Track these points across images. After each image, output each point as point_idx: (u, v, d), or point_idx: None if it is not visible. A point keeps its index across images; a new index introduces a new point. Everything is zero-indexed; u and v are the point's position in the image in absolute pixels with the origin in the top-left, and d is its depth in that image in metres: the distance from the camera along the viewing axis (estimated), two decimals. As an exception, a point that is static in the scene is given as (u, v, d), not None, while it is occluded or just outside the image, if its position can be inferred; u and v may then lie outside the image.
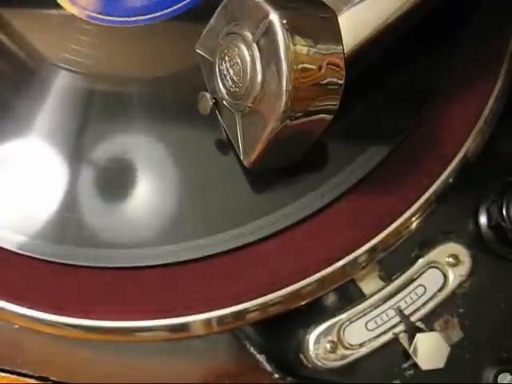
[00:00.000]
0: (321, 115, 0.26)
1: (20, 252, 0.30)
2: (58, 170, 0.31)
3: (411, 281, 0.31)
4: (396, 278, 0.31)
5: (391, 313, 0.30)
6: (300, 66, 0.24)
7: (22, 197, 0.31)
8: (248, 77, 0.25)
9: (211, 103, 0.29)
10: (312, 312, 0.31)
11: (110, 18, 0.33)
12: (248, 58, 0.25)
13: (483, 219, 0.31)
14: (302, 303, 0.29)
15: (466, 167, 0.30)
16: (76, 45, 0.33)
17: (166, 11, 0.33)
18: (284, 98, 0.24)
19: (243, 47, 0.25)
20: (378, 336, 0.30)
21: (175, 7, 0.33)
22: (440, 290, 0.31)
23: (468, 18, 0.32)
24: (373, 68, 0.30)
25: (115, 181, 0.31)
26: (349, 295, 0.31)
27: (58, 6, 0.34)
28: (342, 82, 0.25)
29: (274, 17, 0.24)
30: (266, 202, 0.29)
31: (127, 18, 0.33)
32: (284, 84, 0.24)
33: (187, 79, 0.32)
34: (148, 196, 0.30)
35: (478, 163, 0.31)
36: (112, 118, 0.32)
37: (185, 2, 0.33)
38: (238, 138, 0.28)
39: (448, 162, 0.30)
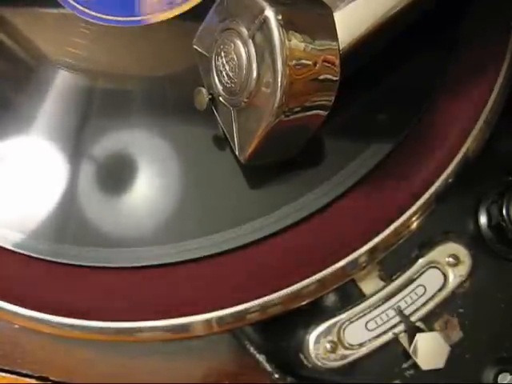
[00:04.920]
0: (316, 111, 0.26)
1: (19, 251, 0.30)
2: (58, 167, 0.31)
3: (411, 281, 0.31)
4: (396, 278, 0.31)
5: (391, 313, 0.30)
6: (295, 61, 0.24)
7: (21, 195, 0.31)
8: (243, 72, 0.25)
9: (207, 99, 0.29)
10: (312, 312, 0.31)
11: (110, 17, 0.33)
12: (243, 54, 0.25)
13: (483, 219, 0.31)
14: (302, 303, 0.29)
15: (466, 167, 0.30)
16: (76, 43, 0.33)
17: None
18: (279, 94, 0.24)
19: (239, 43, 0.25)
20: (378, 336, 0.30)
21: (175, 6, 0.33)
22: (440, 289, 0.31)
23: (467, 18, 0.32)
24: (372, 66, 0.30)
25: (115, 180, 0.31)
26: (349, 295, 0.31)
27: (58, 5, 0.34)
28: (336, 78, 0.25)
29: (269, 12, 0.24)
30: (266, 201, 0.29)
31: (126, 18, 0.33)
32: (279, 79, 0.24)
33: (186, 77, 0.32)
34: (148, 195, 0.30)
35: (478, 163, 0.31)
36: (111, 116, 0.32)
37: (184, 2, 0.33)
38: (234, 134, 0.28)
39: (448, 161, 0.30)
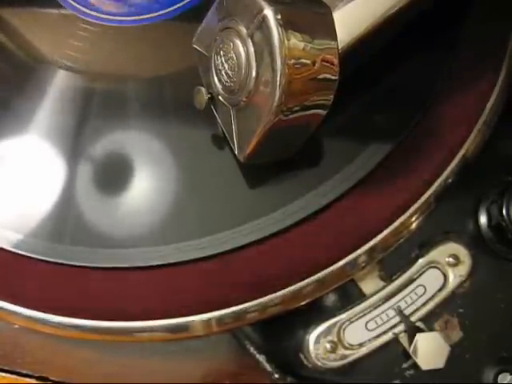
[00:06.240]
0: (315, 110, 0.26)
1: (18, 251, 0.30)
2: (57, 168, 0.31)
3: (411, 281, 0.31)
4: (396, 278, 0.31)
5: (391, 313, 0.30)
6: (294, 61, 0.24)
7: (19, 195, 0.31)
8: (243, 71, 0.25)
9: (206, 98, 0.29)
10: (312, 312, 0.31)
11: (110, 17, 0.33)
12: (243, 53, 0.25)
13: (483, 219, 0.31)
14: (302, 303, 0.29)
15: (466, 167, 0.30)
16: (75, 44, 0.33)
17: (165, 11, 0.33)
18: (278, 93, 0.24)
19: (238, 42, 0.25)
20: (378, 336, 0.30)
21: (174, 7, 0.33)
22: (440, 289, 0.31)
23: (467, 18, 0.32)
24: (372, 66, 0.30)
25: (114, 180, 0.31)
26: (349, 295, 0.31)
27: (58, 6, 0.34)
28: (335, 77, 0.25)
29: (268, 11, 0.24)
30: (266, 201, 0.29)
31: (126, 18, 0.33)
32: (278, 78, 0.24)
33: (186, 77, 0.32)
34: (147, 195, 0.30)
35: (477, 163, 0.31)
36: (110, 117, 0.32)
37: (184, 2, 0.33)
38: (233, 133, 0.28)
39: (448, 161, 0.30)
